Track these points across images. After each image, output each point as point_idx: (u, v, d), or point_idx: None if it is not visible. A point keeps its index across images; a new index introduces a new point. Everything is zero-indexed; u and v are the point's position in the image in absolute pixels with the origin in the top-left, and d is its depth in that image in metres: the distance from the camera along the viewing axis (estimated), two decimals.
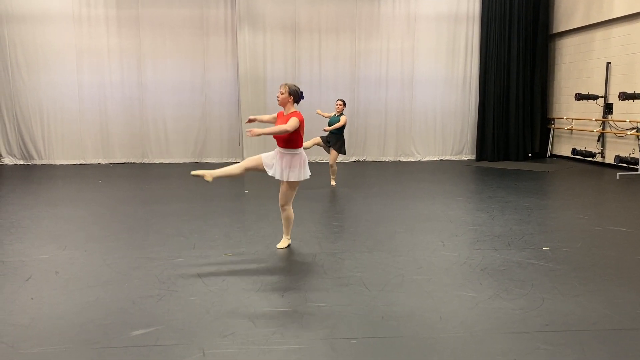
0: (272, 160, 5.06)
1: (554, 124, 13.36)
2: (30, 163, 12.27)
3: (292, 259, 4.91)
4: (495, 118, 13.00)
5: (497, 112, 13.00)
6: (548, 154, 13.48)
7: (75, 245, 5.40)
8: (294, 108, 5.05)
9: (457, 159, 13.31)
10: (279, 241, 5.43)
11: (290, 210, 5.26)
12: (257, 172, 5.19)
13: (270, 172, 5.04)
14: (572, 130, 12.58)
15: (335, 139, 9.02)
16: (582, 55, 12.25)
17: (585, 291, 4.13)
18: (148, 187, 9.25)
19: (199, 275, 4.47)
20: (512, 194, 8.36)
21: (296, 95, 5.02)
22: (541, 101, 13.22)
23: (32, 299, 3.97)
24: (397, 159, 13.14)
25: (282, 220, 5.33)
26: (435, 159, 13.21)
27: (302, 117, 4.96)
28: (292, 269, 4.61)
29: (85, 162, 12.38)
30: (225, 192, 8.58)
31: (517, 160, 13.03)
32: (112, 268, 4.70)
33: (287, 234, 5.36)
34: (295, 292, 4.09)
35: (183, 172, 11.18)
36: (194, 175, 4.95)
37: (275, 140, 5.09)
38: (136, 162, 12.50)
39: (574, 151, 12.11)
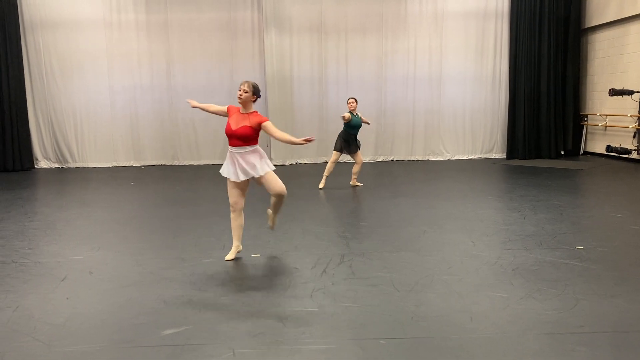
0: (232, 169, 4.86)
1: (587, 120, 13.04)
2: (64, 166, 12.57)
3: (320, 259, 4.91)
4: (526, 115, 12.77)
5: (527, 109, 12.76)
6: (581, 151, 13.16)
7: (108, 246, 5.52)
8: (252, 108, 4.93)
9: (487, 157, 13.11)
10: (306, 242, 5.43)
11: (243, 213, 5.06)
12: (245, 190, 5.03)
13: (241, 178, 4.85)
14: (606, 126, 12.25)
15: (355, 139, 8.77)
16: (616, 50, 11.93)
17: (622, 292, 4.02)
18: (179, 189, 9.37)
19: (229, 276, 4.51)
20: (544, 192, 8.19)
21: (258, 94, 4.94)
22: (573, 97, 12.92)
23: (67, 298, 4.06)
24: (426, 158, 13.02)
25: (235, 227, 5.02)
26: (464, 158, 13.04)
27: None
28: (320, 270, 4.61)
29: (117, 165, 12.63)
30: (253, 194, 8.64)
31: (549, 158, 12.76)
32: (143, 268, 4.78)
33: (240, 239, 5.10)
34: (324, 292, 4.08)
35: (213, 173, 11.29)
36: (229, 260, 4.94)
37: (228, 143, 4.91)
38: (166, 164, 12.69)
39: (609, 148, 11.79)
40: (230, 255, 5.00)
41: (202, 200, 8.09)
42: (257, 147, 4.92)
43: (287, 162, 12.57)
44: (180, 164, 12.74)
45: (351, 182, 9.04)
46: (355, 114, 8.69)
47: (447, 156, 13.06)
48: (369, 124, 9.28)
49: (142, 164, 12.65)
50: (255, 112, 4.91)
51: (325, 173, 8.93)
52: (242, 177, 4.85)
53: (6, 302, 3.98)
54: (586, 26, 12.74)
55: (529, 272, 4.47)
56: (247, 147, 4.82)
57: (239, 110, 4.93)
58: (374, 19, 12.59)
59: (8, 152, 11.90)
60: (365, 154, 12.88)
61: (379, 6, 12.56)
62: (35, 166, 12.48)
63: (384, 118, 12.85)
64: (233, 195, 4.97)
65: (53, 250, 5.45)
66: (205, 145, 12.78)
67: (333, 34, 12.58)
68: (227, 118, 4.95)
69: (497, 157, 13.10)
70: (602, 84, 12.41)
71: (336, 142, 8.88)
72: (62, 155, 12.59)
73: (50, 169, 12.43)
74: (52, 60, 12.29)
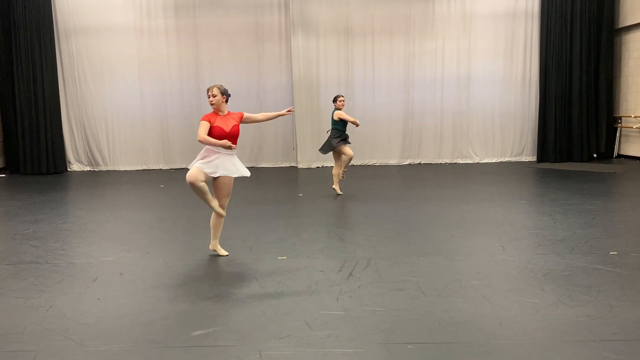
0: (210, 165, 4.90)
1: (620, 122, 12.72)
2: (96, 169, 12.85)
3: (346, 262, 4.90)
4: (557, 117, 12.52)
5: (559, 111, 12.52)
6: (615, 154, 12.83)
7: (138, 247, 5.61)
8: (227, 108, 5.06)
9: (517, 160, 12.90)
10: (332, 245, 5.42)
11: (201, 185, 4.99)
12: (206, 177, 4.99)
13: (218, 173, 4.92)
14: None
15: (334, 136, 8.43)
16: None
17: None
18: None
19: (256, 278, 4.53)
20: (576, 196, 8.02)
21: (226, 93, 5.04)
22: (607, 99, 12.62)
23: (98, 299, 4.15)
24: (454, 161, 12.88)
25: (214, 225, 5.14)
26: (494, 161, 12.86)
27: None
28: (346, 273, 4.61)
29: (147, 168, 12.84)
30: (279, 196, 8.69)
31: (581, 161, 12.47)
32: (172, 270, 4.84)
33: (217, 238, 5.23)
34: (350, 295, 4.07)
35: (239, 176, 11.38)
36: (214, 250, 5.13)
37: (204, 145, 4.99)
38: None
39: None
40: (222, 252, 5.19)
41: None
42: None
43: (313, 165, 12.59)
44: None
45: (340, 179, 8.58)
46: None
47: (476, 159, 12.90)
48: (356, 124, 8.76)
49: (171, 167, 12.84)
50: (229, 111, 5.09)
51: (339, 175, 8.50)
52: (219, 173, 4.97)
53: (40, 301, 4.08)
54: (620, 26, 12.44)
55: (560, 278, 4.38)
56: (233, 150, 5.01)
57: (217, 114, 5.03)
58: (401, 20, 12.54)
59: (42, 155, 12.23)
60: (391, 157, 12.87)
61: (406, 8, 12.50)
62: (68, 169, 12.79)
63: (412, 120, 12.77)
64: (195, 173, 4.87)
65: (85, 251, 5.57)
66: None
67: (360, 36, 12.57)
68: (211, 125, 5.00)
69: (527, 160, 12.88)
70: (637, 85, 12.09)
71: (330, 142, 8.41)
72: (94, 158, 12.87)
73: (83, 172, 12.72)
74: (85, 66, 12.58)
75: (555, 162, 12.44)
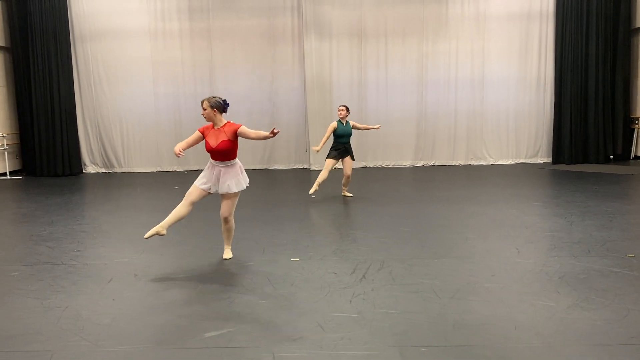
0: (207, 178, 5.02)
1: (638, 123, 12.54)
2: (111, 171, 12.98)
3: (360, 264, 4.89)
4: (573, 119, 12.39)
5: (574, 112, 12.39)
6: (632, 155, 12.66)
7: (152, 249, 5.65)
8: (223, 120, 4.99)
9: (532, 162, 12.79)
10: (345, 247, 5.41)
11: (233, 221, 5.19)
12: (203, 198, 5.11)
13: (212, 190, 5.01)
14: None
15: (349, 148, 8.31)
16: None
17: None
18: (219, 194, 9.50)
19: (269, 279, 4.54)
20: (592, 198, 7.92)
21: (219, 106, 4.95)
22: (623, 100, 12.46)
23: (113, 299, 4.18)
24: (468, 163, 12.81)
25: (224, 232, 5.22)
26: (508, 163, 12.77)
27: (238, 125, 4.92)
28: (359, 275, 4.59)
29: (161, 170, 12.94)
30: (292, 199, 8.70)
31: (597, 162, 12.34)
32: (186, 271, 4.87)
33: (229, 244, 5.30)
34: (363, 298, 4.06)
35: (253, 178, 11.41)
36: (147, 238, 4.99)
37: (209, 154, 5.04)
38: None
39: None
40: (225, 255, 5.22)
41: (241, 205, 8.17)
42: (237, 160, 5.06)
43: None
44: None
45: (342, 193, 8.56)
46: (344, 122, 8.24)
47: (490, 161, 12.81)
48: (376, 128, 8.73)
49: (185, 169, 12.92)
50: (228, 122, 5.00)
51: (318, 180, 8.26)
52: (213, 190, 5.01)
53: (56, 302, 4.13)
54: (637, 26, 12.28)
55: (576, 281, 4.33)
56: (228, 162, 4.98)
57: (212, 127, 5.02)
58: (414, 22, 12.50)
59: (58, 157, 12.39)
60: (405, 159, 12.83)
61: (419, 9, 12.47)
62: (84, 171, 12.93)
63: (425, 122, 12.73)
64: (193, 191, 5.07)
65: (100, 252, 5.62)
66: (245, 151, 12.80)
67: (372, 37, 12.56)
68: (204, 139, 5.03)
69: (542, 161, 12.77)
70: None
71: (329, 152, 8.37)
72: (109, 160, 12.99)
73: (98, 173, 12.85)
74: (100, 69, 12.72)
75: (571, 163, 12.32)
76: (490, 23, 12.48)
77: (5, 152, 12.05)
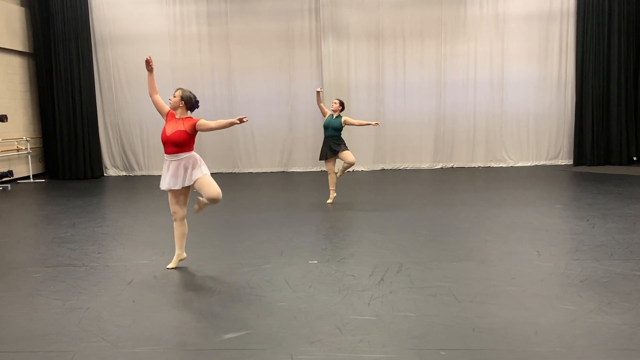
0: (167, 178, 4.89)
1: None
2: (131, 174, 13.13)
3: (378, 267, 4.87)
4: (595, 120, 12.20)
5: (596, 113, 12.19)
6: None
7: (172, 251, 5.68)
8: (186, 114, 4.95)
9: (553, 164, 12.62)
10: (362, 250, 5.38)
11: (185, 221, 5.05)
12: (185, 198, 5.00)
13: (172, 186, 4.85)
14: None
15: (337, 142, 8.07)
16: None
17: None
18: (238, 196, 9.57)
19: (287, 282, 4.55)
20: (615, 200, 7.79)
21: (189, 102, 4.93)
22: None
23: (133, 301, 4.22)
24: (488, 165, 12.68)
25: (177, 235, 5.04)
26: (528, 165, 12.61)
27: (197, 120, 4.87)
28: (377, 278, 4.58)
29: None
30: (310, 202, 8.70)
31: (619, 164, 12.11)
32: (205, 273, 4.90)
33: (182, 248, 5.11)
34: (381, 300, 4.04)
35: (271, 181, 11.48)
36: (171, 268, 5.01)
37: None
38: (227, 171, 12.99)
39: None
40: (172, 264, 5.08)
41: (260, 208, 8.22)
42: (193, 153, 4.95)
43: None
44: (240, 171, 13.01)
45: (337, 174, 8.33)
46: (335, 115, 8.08)
47: (510, 162, 12.67)
48: (374, 125, 8.31)
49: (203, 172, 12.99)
50: (190, 117, 4.97)
51: (331, 187, 8.29)
52: (174, 186, 4.87)
53: (78, 303, 4.19)
54: None
55: (598, 284, 4.25)
56: (181, 154, 4.87)
57: (174, 116, 4.98)
58: (432, 23, 12.44)
59: (80, 161, 12.58)
60: (423, 161, 12.75)
61: (437, 11, 12.40)
62: (105, 174, 13.11)
63: (444, 123, 12.64)
64: (172, 204, 5.01)
65: (120, 254, 5.69)
66: (263, 153, 13.01)
67: (390, 39, 12.52)
68: (164, 124, 4.99)
69: (563, 163, 12.59)
70: None
71: (321, 150, 8.26)
72: (129, 163, 13.15)
73: (118, 176, 13.01)
74: (121, 73, 12.89)
75: (593, 165, 12.12)
76: (510, 23, 12.36)
77: (29, 156, 12.28)
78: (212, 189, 4.87)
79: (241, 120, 4.62)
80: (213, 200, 4.92)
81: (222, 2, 12.61)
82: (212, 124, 4.84)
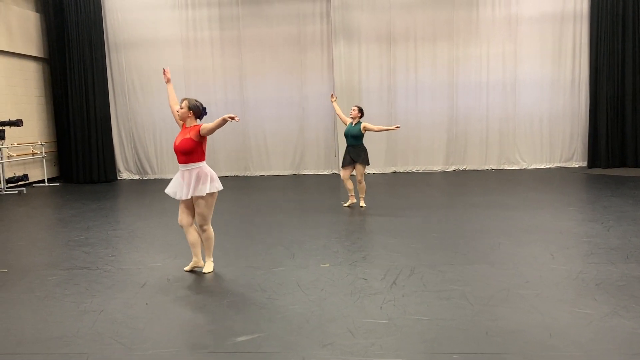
0: (175, 186, 4.95)
1: None
2: (144, 178, 13.23)
3: (390, 270, 4.85)
4: (609, 121, 12.07)
5: (611, 115, 12.06)
6: None
7: (184, 254, 5.73)
8: (195, 123, 4.96)
9: (567, 166, 12.50)
10: (374, 253, 5.37)
11: (211, 230, 5.04)
12: (191, 209, 4.99)
13: (178, 196, 4.91)
14: None
15: (357, 152, 7.92)
16: None
17: None
18: (250, 199, 9.60)
19: (299, 285, 4.55)
20: (630, 203, 7.69)
21: (197, 110, 4.95)
22: None
23: (146, 304, 4.25)
24: (501, 167, 12.60)
25: (202, 242, 5.06)
26: (542, 167, 12.51)
27: None
28: (389, 281, 4.56)
29: None
30: (322, 205, 8.70)
31: (635, 166, 11.96)
32: (217, 276, 4.92)
33: (210, 256, 5.11)
34: (394, 304, 4.03)
35: (283, 184, 11.50)
36: (187, 270, 5.06)
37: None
38: (239, 175, 13.04)
39: None
40: (188, 267, 5.13)
41: (272, 211, 8.23)
42: (203, 165, 4.92)
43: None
44: (252, 174, 13.05)
45: (360, 204, 8.15)
46: (354, 123, 8.01)
47: (524, 165, 12.58)
48: (393, 129, 8.24)
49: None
50: (197, 125, 4.94)
51: (350, 193, 8.23)
52: (175, 195, 4.92)
53: (92, 306, 4.22)
54: None
55: (614, 288, 4.20)
56: (191, 164, 4.87)
57: (184, 126, 5.02)
58: (444, 26, 12.40)
59: (94, 164, 12.70)
60: (435, 163, 12.70)
61: (449, 13, 12.36)
62: (118, 178, 13.22)
63: (456, 126, 12.59)
64: (179, 213, 5.04)
65: (134, 257, 5.73)
66: (275, 157, 13.04)
67: (402, 42, 12.50)
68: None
69: (577, 165, 12.47)
70: None
71: (343, 157, 8.14)
72: (143, 167, 13.25)
73: (132, 180, 13.11)
74: (134, 78, 13.01)
75: (608, 167, 11.99)
76: (522, 25, 12.28)
77: (44, 160, 12.42)
78: (203, 216, 4.90)
79: (232, 118, 4.63)
80: (199, 226, 4.98)
81: (234, 7, 12.68)
82: (211, 124, 4.88)
